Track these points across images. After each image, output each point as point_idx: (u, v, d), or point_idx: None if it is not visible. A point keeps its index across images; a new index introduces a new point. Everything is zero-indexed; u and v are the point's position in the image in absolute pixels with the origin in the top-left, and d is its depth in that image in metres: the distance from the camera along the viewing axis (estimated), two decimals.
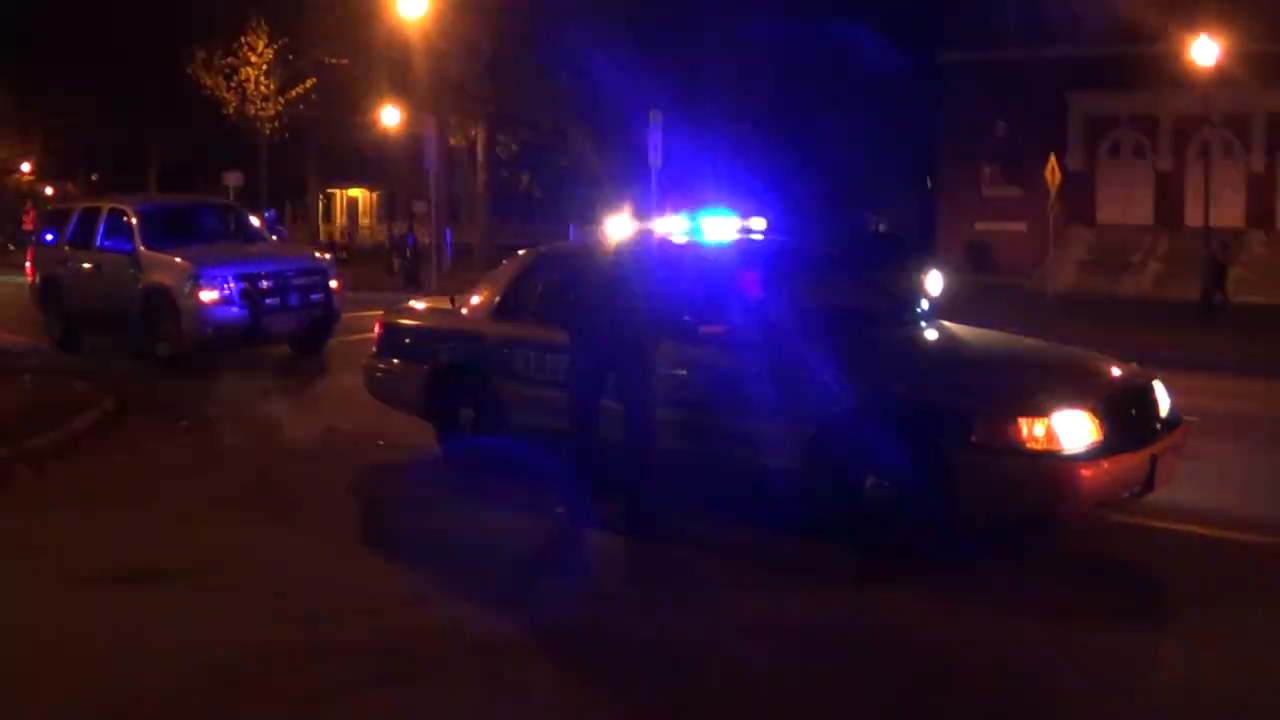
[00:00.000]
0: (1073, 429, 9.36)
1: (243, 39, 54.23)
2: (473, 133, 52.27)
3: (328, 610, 8.78)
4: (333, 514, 11.65)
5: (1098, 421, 9.49)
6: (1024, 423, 9.34)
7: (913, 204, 57.95)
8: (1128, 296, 42.09)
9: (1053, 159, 39.35)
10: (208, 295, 20.44)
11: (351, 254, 55.46)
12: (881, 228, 56.94)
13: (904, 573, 9.53)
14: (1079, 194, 47.84)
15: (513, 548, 10.44)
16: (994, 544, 10.03)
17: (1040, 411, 9.40)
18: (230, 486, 12.60)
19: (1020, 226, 49.15)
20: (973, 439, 9.43)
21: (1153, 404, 10.52)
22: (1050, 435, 9.29)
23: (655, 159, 34.71)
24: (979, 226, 51.52)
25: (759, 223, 13.16)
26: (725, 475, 11.23)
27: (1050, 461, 9.29)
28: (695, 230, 12.32)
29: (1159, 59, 43.60)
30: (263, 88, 55.35)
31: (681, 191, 33.18)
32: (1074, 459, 9.28)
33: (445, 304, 14.09)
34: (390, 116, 52.75)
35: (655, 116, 34.99)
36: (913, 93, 54.94)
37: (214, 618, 8.65)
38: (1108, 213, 49.44)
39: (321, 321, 22.06)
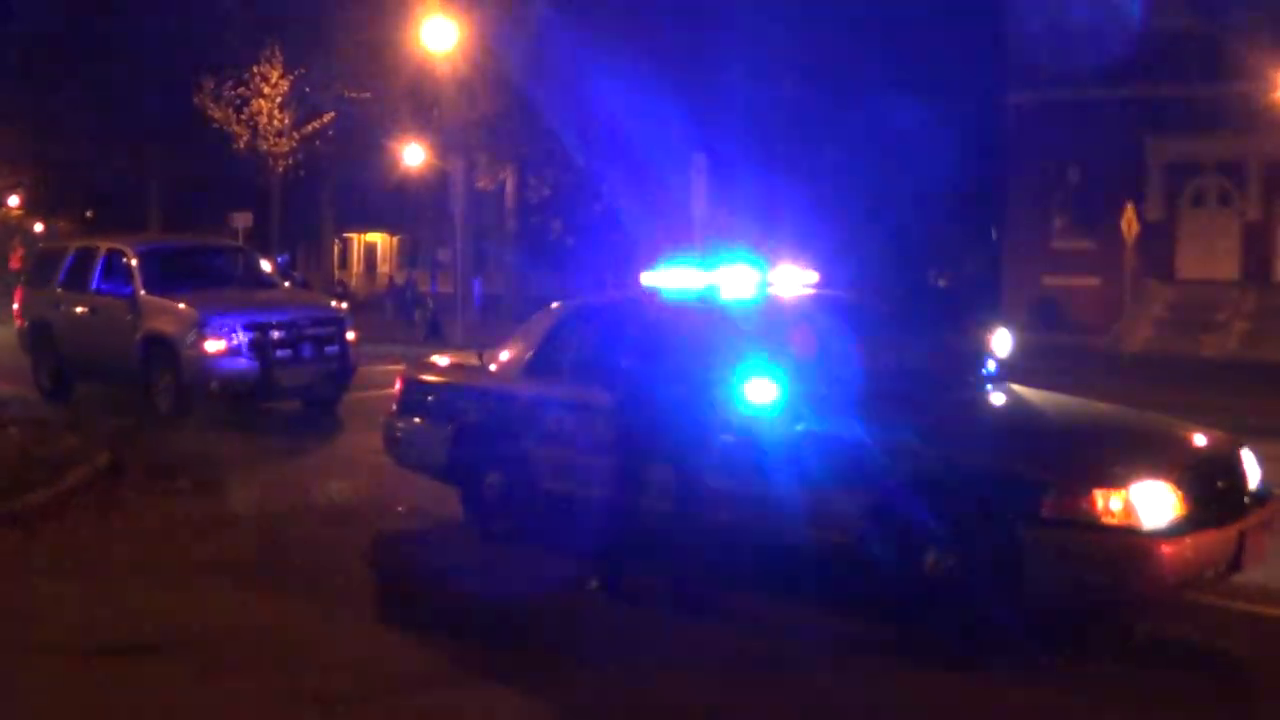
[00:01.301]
0: (1153, 502, 9.25)
1: (255, 69, 54.32)
2: (502, 175, 52.40)
3: (341, 691, 8.74)
4: (347, 585, 11.61)
5: (1180, 494, 9.39)
6: (1099, 495, 9.24)
7: (976, 257, 57.75)
8: (1211, 357, 41.81)
9: (1129, 208, 39.21)
10: (213, 345, 20.48)
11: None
12: (942, 283, 56.82)
13: (967, 657, 9.46)
14: (1158, 246, 47.46)
15: (543, 625, 10.40)
16: (1066, 626, 9.95)
17: (1117, 482, 9.29)
18: (234, 554, 12.57)
19: (1093, 281, 48.78)
20: (1043, 512, 9.33)
21: (1240, 475, 10.42)
22: (1128, 509, 9.18)
23: (699, 206, 34.72)
24: (1048, 281, 51.09)
25: (809, 276, 13.10)
26: (776, 548, 11.14)
27: (1128, 538, 9.18)
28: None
29: (1247, 98, 43.32)
30: (276, 121, 55.34)
31: (726, 242, 33.22)
32: (1154, 535, 9.17)
33: (473, 359, 14.09)
34: (414, 156, 52.91)
35: (699, 160, 35.01)
36: (977, 137, 54.71)
37: (215, 698, 8.63)
38: (1189, 267, 49.02)
39: (337, 375, 22.04)
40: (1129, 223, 38.72)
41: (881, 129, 52.78)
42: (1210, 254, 48.17)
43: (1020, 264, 52.50)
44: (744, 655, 9.75)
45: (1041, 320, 47.12)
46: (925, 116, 51.77)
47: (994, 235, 56.68)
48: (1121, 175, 47.51)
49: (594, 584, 11.06)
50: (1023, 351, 15.80)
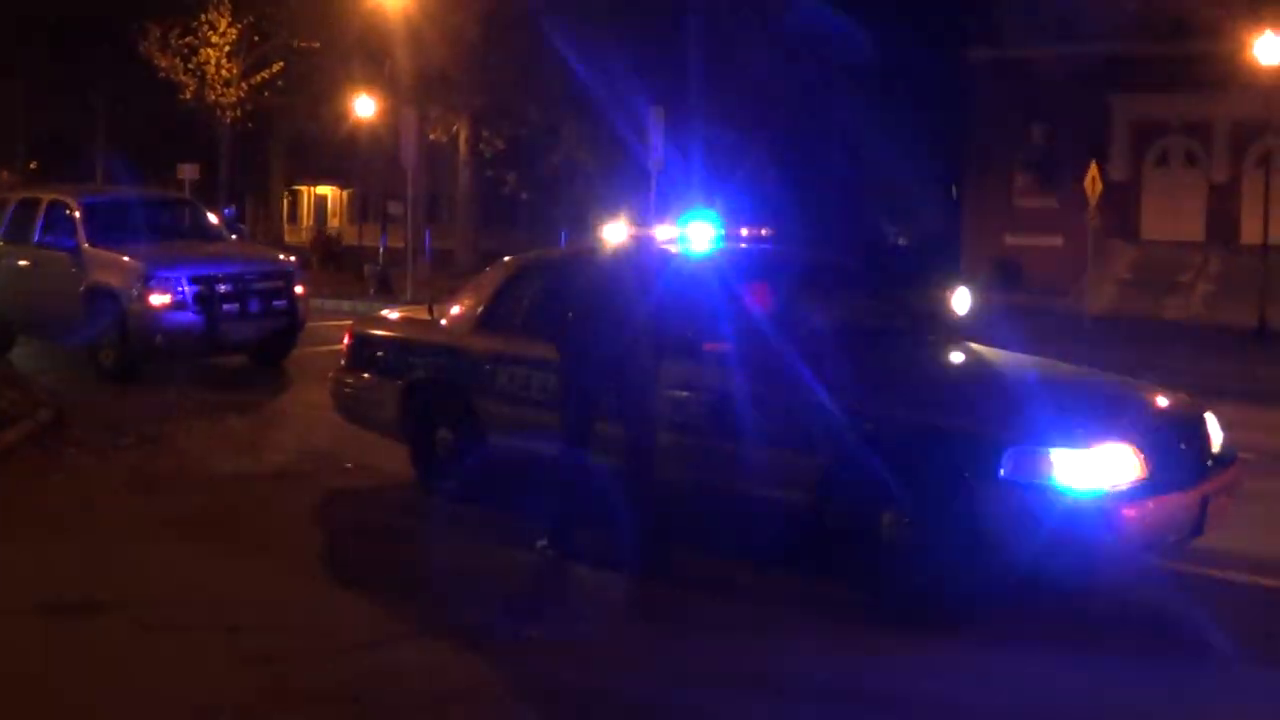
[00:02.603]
0: (1114, 464, 9.25)
1: (203, 17, 53.91)
2: (455, 128, 52.15)
3: (285, 651, 8.69)
4: (293, 543, 11.58)
5: (1142, 457, 9.39)
6: (1060, 456, 9.23)
7: (936, 215, 57.79)
8: (1174, 319, 41.96)
9: (1093, 167, 39.15)
10: (159, 299, 20.34)
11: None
12: (901, 240, 56.88)
13: (920, 620, 9.46)
14: (1122, 206, 47.55)
15: (492, 584, 10.38)
16: (1022, 591, 9.96)
17: (1078, 443, 9.29)
18: (178, 511, 12.51)
19: (1055, 241, 48.82)
20: (1002, 473, 9.33)
21: (1204, 439, 10.44)
22: (1089, 470, 9.18)
23: (655, 160, 34.63)
24: (1009, 240, 51.12)
25: (762, 231, 13.09)
26: (726, 506, 11.11)
27: (1089, 500, 9.18)
28: (681, 238, 12.21)
29: (1215, 58, 43.20)
30: (224, 71, 54.95)
31: (683, 197, 33.17)
32: (1115, 498, 9.18)
33: (423, 314, 14.03)
34: (365, 107, 52.58)
35: (657, 114, 34.91)
36: (937, 93, 54.71)
37: (156, 658, 8.58)
38: (1154, 227, 49.09)
39: (285, 331, 21.95)
40: (1093, 181, 38.67)
41: (842, 85, 52.79)
42: (1175, 215, 48.28)
43: (981, 223, 52.55)
44: (690, 616, 9.75)
45: (1003, 280, 47.12)
46: (887, 72, 51.80)
47: (954, 193, 56.69)
48: (1086, 133, 47.61)
49: (543, 543, 11.04)
50: (983, 311, 15.90)
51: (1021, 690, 8.41)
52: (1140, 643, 9.37)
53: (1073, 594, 10.33)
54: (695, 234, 12.16)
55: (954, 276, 33.75)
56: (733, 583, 10.47)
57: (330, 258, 51.78)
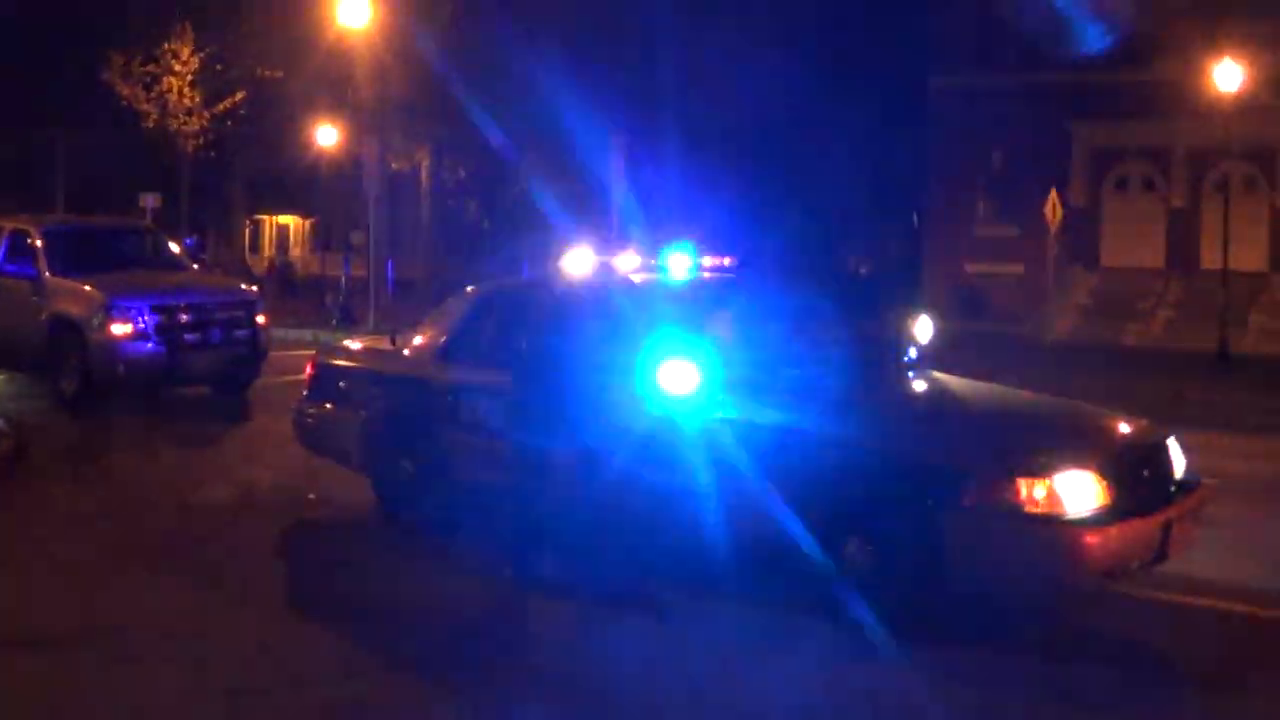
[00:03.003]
0: (1077, 491, 9.27)
1: (166, 45, 53.81)
2: (417, 157, 52.22)
3: (249, 685, 8.66)
4: (256, 576, 11.53)
5: (1105, 483, 9.41)
6: (1022, 483, 9.24)
7: (897, 242, 57.92)
8: (1135, 346, 42.12)
9: (1053, 194, 39.38)
10: (120, 328, 20.25)
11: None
12: (863, 270, 56.89)
13: (882, 648, 9.42)
14: (1082, 233, 47.75)
15: (456, 615, 10.35)
16: (985, 619, 9.96)
17: (1040, 471, 9.31)
18: (140, 542, 12.46)
19: (1016, 268, 48.94)
20: (964, 501, 9.34)
21: (1166, 464, 10.46)
22: (1051, 497, 9.19)
23: (617, 189, 34.68)
24: (970, 268, 51.29)
25: (726, 261, 13.12)
26: (688, 535, 11.09)
27: (1051, 527, 9.18)
28: (660, 268, 12.25)
29: (1172, 85, 43.51)
30: (186, 100, 54.90)
31: (645, 226, 33.20)
32: (1078, 524, 9.19)
33: (385, 344, 14.01)
34: (327, 136, 52.59)
35: (617, 140, 34.95)
36: (900, 121, 54.83)
37: (118, 692, 8.54)
38: (1114, 254, 49.28)
39: (247, 360, 21.86)
40: (1052, 208, 38.89)
41: (802, 114, 52.89)
42: (1135, 241, 48.50)
43: (942, 251, 52.72)
44: (660, 645, 9.72)
45: (964, 308, 47.30)
46: (847, 100, 51.87)
47: (915, 222, 56.84)
48: (1045, 161, 47.78)
49: (507, 573, 11.01)
50: (945, 339, 15.87)
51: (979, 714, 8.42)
52: (1096, 669, 9.36)
53: (1034, 621, 10.34)
54: (674, 265, 12.20)
55: (916, 305, 33.76)
56: (692, 611, 10.45)
57: (287, 286, 51.65)
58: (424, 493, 12.56)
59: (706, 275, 12.72)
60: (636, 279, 12.09)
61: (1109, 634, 10.19)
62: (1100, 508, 9.31)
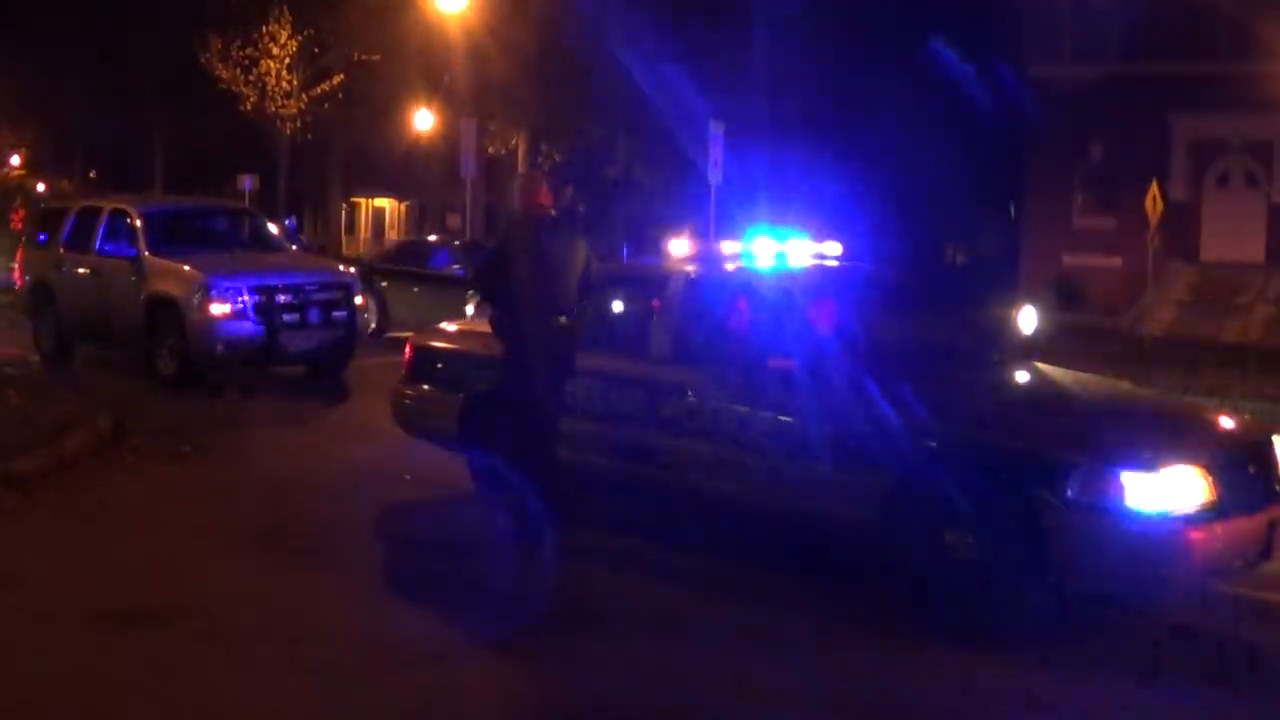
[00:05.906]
0: (1182, 487, 9.16)
1: (264, 29, 54.11)
2: (514, 141, 52.27)
3: (347, 664, 8.68)
4: (353, 555, 11.56)
5: (1210, 480, 9.29)
6: (1127, 478, 9.14)
7: (995, 234, 57.59)
8: (1233, 342, 41.65)
9: (1154, 187, 39.00)
10: (218, 308, 20.32)
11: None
12: (960, 259, 56.64)
13: (981, 640, 9.36)
14: (1182, 227, 47.28)
15: (553, 599, 10.32)
16: (1084, 613, 9.87)
17: (1146, 466, 9.19)
18: (238, 521, 12.50)
19: (1115, 260, 48.60)
20: (1069, 494, 9.24)
21: (1271, 463, 10.32)
22: (1156, 493, 9.08)
23: (714, 174, 34.54)
24: (1068, 260, 50.86)
25: (833, 248, 13.02)
26: (793, 525, 11.05)
27: (1155, 523, 9.08)
28: (746, 254, 12.16)
29: (1276, 77, 43.10)
30: (284, 83, 55.18)
31: (743, 212, 33.06)
32: (1182, 520, 9.08)
33: (483, 326, 14.00)
34: (424, 120, 52.76)
35: (716, 127, 34.80)
36: (997, 111, 54.46)
37: (214, 669, 8.56)
38: (1213, 248, 48.78)
39: (344, 342, 21.92)
40: (1153, 201, 38.51)
41: (903, 103, 52.61)
42: (1235, 236, 47.95)
43: (1040, 242, 52.29)
44: (767, 639, 9.65)
45: (1061, 299, 46.83)
46: (947, 91, 51.58)
47: (1012, 212, 56.48)
48: (1145, 153, 47.27)
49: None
50: (1042, 331, 15.80)
51: (1074, 714, 8.34)
52: (1196, 668, 9.23)
53: (1136, 617, 10.24)
54: (759, 249, 12.11)
55: (1014, 295, 33.64)
56: (794, 599, 10.41)
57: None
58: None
59: (811, 262, 12.60)
60: (741, 266, 12.02)
61: (1207, 633, 10.01)
62: (1205, 504, 9.19)
